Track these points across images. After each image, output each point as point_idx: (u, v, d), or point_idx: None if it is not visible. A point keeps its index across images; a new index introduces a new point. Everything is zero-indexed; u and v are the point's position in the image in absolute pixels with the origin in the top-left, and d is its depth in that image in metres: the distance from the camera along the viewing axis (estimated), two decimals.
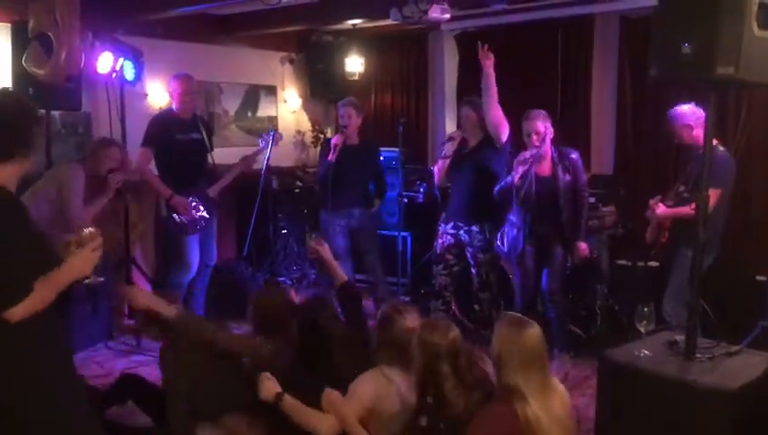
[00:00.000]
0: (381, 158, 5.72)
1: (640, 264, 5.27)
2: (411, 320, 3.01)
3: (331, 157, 5.18)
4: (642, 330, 3.07)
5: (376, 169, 5.44)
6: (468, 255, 4.93)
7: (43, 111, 4.65)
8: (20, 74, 4.64)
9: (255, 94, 7.62)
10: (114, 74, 5.14)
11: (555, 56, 6.47)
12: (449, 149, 5.04)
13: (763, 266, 4.90)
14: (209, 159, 5.46)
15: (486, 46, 4.67)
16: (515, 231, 4.66)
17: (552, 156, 4.64)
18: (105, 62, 5.05)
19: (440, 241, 5.02)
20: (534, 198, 4.47)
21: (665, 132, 4.76)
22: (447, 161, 5.04)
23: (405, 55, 7.68)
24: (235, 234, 6.93)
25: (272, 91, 7.78)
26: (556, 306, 4.73)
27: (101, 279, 2.66)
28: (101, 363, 4.92)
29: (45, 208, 4.28)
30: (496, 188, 4.74)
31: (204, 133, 5.41)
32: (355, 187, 5.27)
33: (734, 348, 3.08)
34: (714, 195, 3.88)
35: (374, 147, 5.56)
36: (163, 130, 5.25)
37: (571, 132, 6.23)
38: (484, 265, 4.86)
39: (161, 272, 5.81)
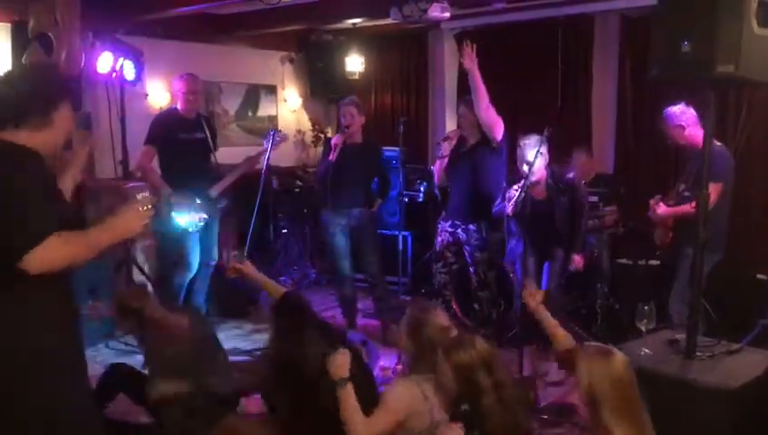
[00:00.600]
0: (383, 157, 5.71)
1: (641, 262, 5.27)
2: (441, 317, 2.91)
3: (332, 156, 5.17)
4: (643, 329, 3.07)
5: (380, 169, 5.43)
6: (466, 253, 4.92)
7: None
8: None
9: (256, 94, 7.62)
10: (114, 74, 5.15)
11: (555, 55, 6.47)
12: (446, 148, 5.03)
13: (763, 265, 4.90)
14: (212, 159, 5.47)
15: (471, 46, 4.60)
16: (514, 241, 4.67)
17: (546, 180, 4.57)
18: (105, 61, 5.06)
19: (439, 239, 5.02)
20: (530, 221, 4.44)
21: (665, 131, 4.76)
22: (445, 161, 5.04)
23: (405, 54, 7.69)
24: (235, 234, 6.92)
25: (272, 90, 7.78)
26: (552, 308, 4.70)
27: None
28: (102, 363, 4.92)
29: None
30: (494, 209, 4.70)
31: (207, 133, 5.41)
32: (356, 186, 5.26)
33: (735, 346, 3.08)
34: (714, 189, 3.87)
35: (376, 146, 5.55)
36: (165, 128, 5.24)
37: (572, 131, 6.24)
38: (481, 263, 4.85)
39: (161, 271, 5.81)
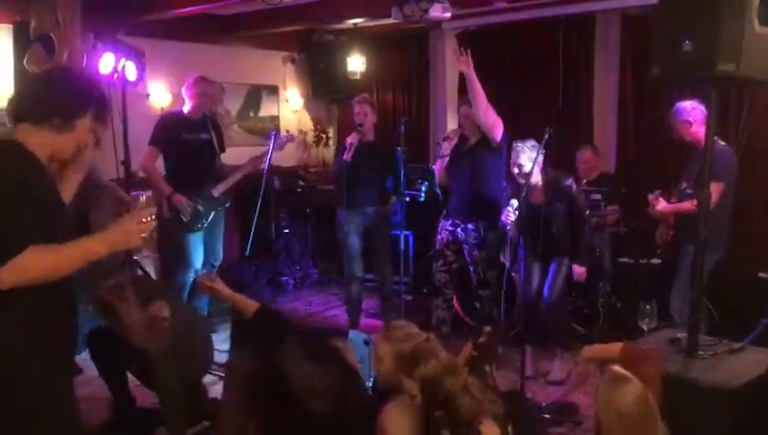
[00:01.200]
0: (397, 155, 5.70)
1: (643, 261, 5.27)
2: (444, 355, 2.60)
3: (347, 156, 5.18)
4: (645, 327, 3.07)
5: (394, 166, 5.44)
6: (465, 252, 4.92)
7: None
8: (22, 75, 4.64)
9: (257, 94, 7.63)
10: (116, 75, 5.14)
11: (557, 54, 6.47)
12: (446, 147, 5.03)
13: (765, 264, 4.90)
14: (217, 160, 5.48)
15: (465, 51, 4.58)
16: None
17: (543, 184, 4.54)
18: (107, 62, 5.05)
19: (439, 237, 5.03)
20: (528, 224, 4.43)
21: (667, 130, 4.75)
22: (446, 160, 5.05)
23: (406, 54, 7.69)
24: (237, 234, 6.93)
25: (273, 90, 7.78)
26: (551, 313, 4.69)
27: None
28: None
29: None
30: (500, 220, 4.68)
31: (213, 134, 5.42)
32: (371, 185, 5.26)
33: (737, 345, 3.08)
34: (716, 189, 3.87)
35: (390, 144, 5.55)
36: (169, 129, 5.26)
37: (573, 131, 6.24)
38: (480, 262, 4.85)
39: (163, 272, 5.82)
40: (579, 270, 4.61)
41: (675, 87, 5.14)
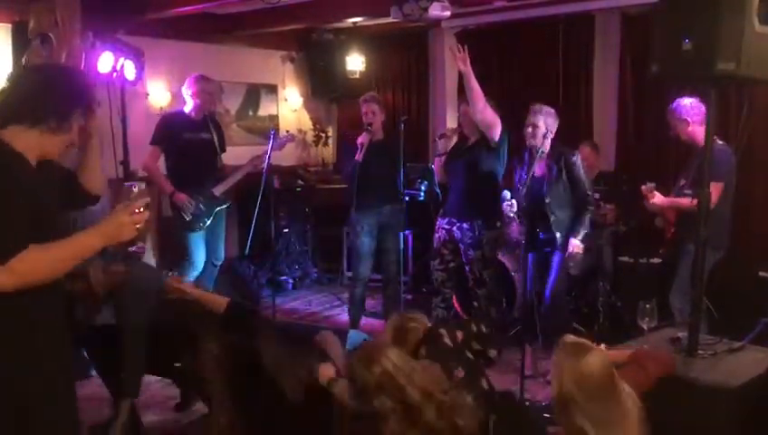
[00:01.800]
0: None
1: (642, 260, 5.26)
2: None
3: (359, 156, 5.18)
4: (644, 327, 3.06)
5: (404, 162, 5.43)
6: (461, 251, 4.92)
7: None
8: None
9: (256, 93, 7.62)
10: (115, 74, 5.14)
11: (556, 53, 6.47)
12: (442, 145, 5.03)
13: (765, 263, 4.89)
14: (218, 160, 5.49)
15: (462, 49, 4.52)
16: (515, 227, 4.67)
17: (548, 156, 4.59)
18: (105, 61, 5.05)
19: (436, 236, 5.02)
20: (528, 200, 4.44)
21: (666, 129, 4.75)
22: (443, 158, 5.04)
23: (406, 53, 7.69)
24: (237, 233, 6.93)
25: (273, 89, 7.78)
26: (552, 313, 4.69)
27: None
28: None
29: None
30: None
31: (214, 134, 5.43)
32: (384, 183, 5.24)
33: (737, 344, 3.07)
34: (715, 189, 3.86)
35: (399, 140, 5.54)
36: (170, 128, 5.27)
37: (573, 130, 6.23)
38: (475, 262, 4.83)
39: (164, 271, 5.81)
40: (574, 242, 4.54)
41: (674, 86, 5.13)
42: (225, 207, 5.49)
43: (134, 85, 5.46)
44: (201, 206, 5.27)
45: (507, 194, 4.45)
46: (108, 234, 2.15)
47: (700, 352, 2.97)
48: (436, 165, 5.19)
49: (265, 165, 5.43)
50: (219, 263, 5.55)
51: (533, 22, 6.48)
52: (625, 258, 5.52)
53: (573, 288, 5.12)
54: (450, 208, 4.99)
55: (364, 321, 5.59)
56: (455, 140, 5.06)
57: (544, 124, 4.52)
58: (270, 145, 5.44)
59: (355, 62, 7.65)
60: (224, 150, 5.55)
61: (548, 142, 4.58)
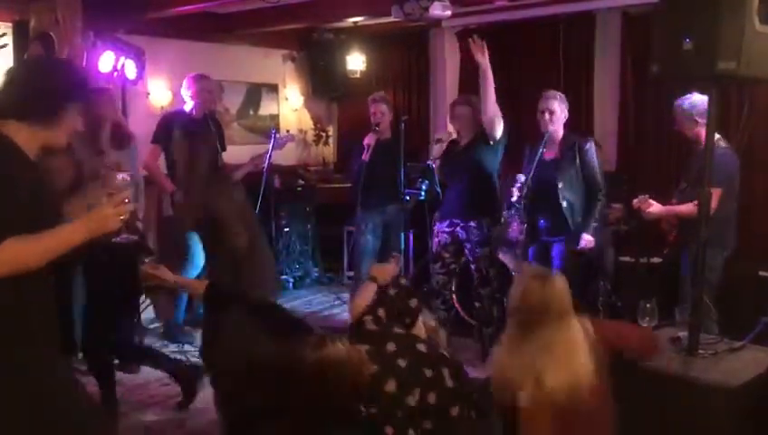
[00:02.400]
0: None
1: (643, 260, 5.26)
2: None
3: (365, 156, 5.18)
4: (645, 326, 3.07)
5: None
6: (466, 250, 4.92)
7: None
8: None
9: (257, 92, 7.62)
10: (116, 73, 5.15)
11: (557, 53, 6.46)
12: (437, 151, 5.00)
13: (766, 262, 4.89)
14: (219, 159, 5.48)
15: (477, 38, 4.54)
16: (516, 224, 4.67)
17: (561, 140, 4.61)
18: (106, 61, 5.06)
19: (436, 240, 5.01)
20: (534, 184, 4.44)
21: (667, 129, 4.74)
22: (437, 162, 5.03)
23: (406, 53, 7.68)
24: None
25: (273, 89, 7.78)
26: None
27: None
28: None
29: None
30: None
31: (215, 133, 5.42)
32: (390, 183, 5.24)
33: (737, 344, 3.08)
34: (714, 195, 3.84)
35: (400, 139, 5.53)
36: (169, 128, 5.26)
37: (574, 129, 6.22)
38: (482, 259, 4.84)
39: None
40: (587, 238, 4.55)
41: (676, 85, 5.13)
42: None
43: (135, 84, 5.47)
44: None
45: (521, 177, 4.48)
46: (92, 226, 2.15)
47: (701, 351, 2.97)
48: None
49: (266, 164, 5.43)
50: None
51: (534, 21, 6.48)
52: (626, 258, 5.51)
53: (573, 288, 5.11)
54: (451, 210, 4.97)
55: None
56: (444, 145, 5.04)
57: (560, 109, 4.57)
58: (271, 144, 5.44)
59: (356, 62, 7.65)
60: (224, 149, 5.54)
61: (562, 124, 4.63)
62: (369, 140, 5.21)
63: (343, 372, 2.17)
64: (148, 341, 5.21)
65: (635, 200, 4.33)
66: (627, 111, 6.16)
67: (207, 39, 6.90)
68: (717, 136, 4.11)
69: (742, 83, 4.45)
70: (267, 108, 7.72)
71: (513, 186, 4.58)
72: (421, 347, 2.52)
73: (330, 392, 2.17)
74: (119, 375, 4.19)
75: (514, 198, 4.51)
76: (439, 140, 5.08)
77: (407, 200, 5.01)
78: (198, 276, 5.34)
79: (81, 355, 4.01)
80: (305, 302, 6.63)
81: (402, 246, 5.21)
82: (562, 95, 4.66)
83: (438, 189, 5.39)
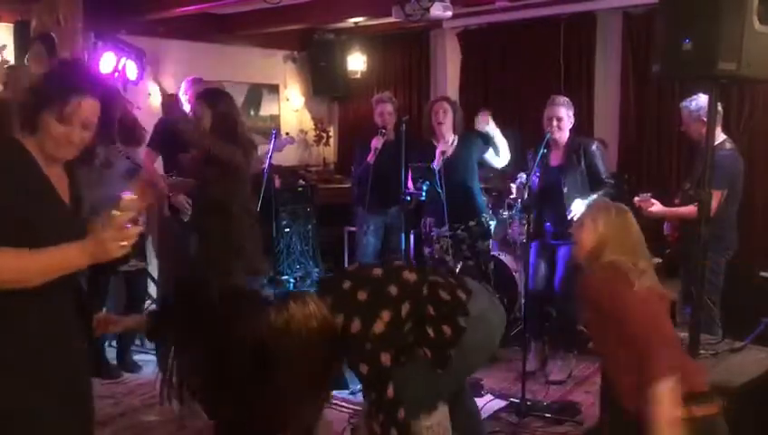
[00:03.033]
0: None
1: None
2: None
3: (371, 158, 5.19)
4: None
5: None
6: (466, 248, 4.93)
7: None
8: None
9: (258, 93, 7.62)
10: (117, 74, 5.15)
11: (557, 53, 6.45)
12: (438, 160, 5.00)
13: (766, 262, 4.89)
14: None
15: (483, 111, 4.83)
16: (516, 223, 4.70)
17: (567, 144, 4.60)
18: (107, 61, 5.07)
19: (437, 246, 5.00)
20: (539, 190, 4.44)
21: (668, 128, 4.74)
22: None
23: (407, 53, 7.68)
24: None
25: (274, 89, 7.78)
26: (558, 309, 4.68)
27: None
28: None
29: None
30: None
31: None
32: (395, 185, 5.25)
33: (738, 344, 3.08)
34: (715, 197, 3.83)
35: (401, 140, 5.53)
36: (167, 130, 5.25)
37: (574, 129, 6.23)
38: (482, 253, 4.87)
39: (164, 272, 5.81)
40: (579, 202, 4.48)
41: (676, 86, 5.13)
42: None
43: (135, 85, 5.47)
44: None
45: (523, 176, 4.50)
46: (91, 252, 1.92)
47: (702, 351, 2.97)
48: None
49: (266, 165, 5.42)
50: None
51: (535, 22, 6.48)
52: None
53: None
54: (451, 213, 4.97)
55: None
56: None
57: (567, 116, 4.57)
58: (271, 145, 5.43)
59: (356, 62, 7.65)
60: None
61: (568, 130, 4.62)
62: (376, 142, 5.21)
63: (310, 324, 2.24)
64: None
65: (637, 198, 4.29)
66: (627, 111, 6.16)
67: (208, 39, 6.90)
68: (724, 137, 4.13)
69: (742, 84, 4.44)
70: (268, 108, 7.72)
71: (513, 182, 4.62)
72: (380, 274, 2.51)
73: (306, 350, 2.22)
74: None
75: (513, 197, 4.53)
76: (443, 153, 5.04)
77: (408, 201, 5.00)
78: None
79: None
80: None
81: (404, 247, 5.21)
82: (569, 100, 4.65)
83: (439, 190, 5.39)
